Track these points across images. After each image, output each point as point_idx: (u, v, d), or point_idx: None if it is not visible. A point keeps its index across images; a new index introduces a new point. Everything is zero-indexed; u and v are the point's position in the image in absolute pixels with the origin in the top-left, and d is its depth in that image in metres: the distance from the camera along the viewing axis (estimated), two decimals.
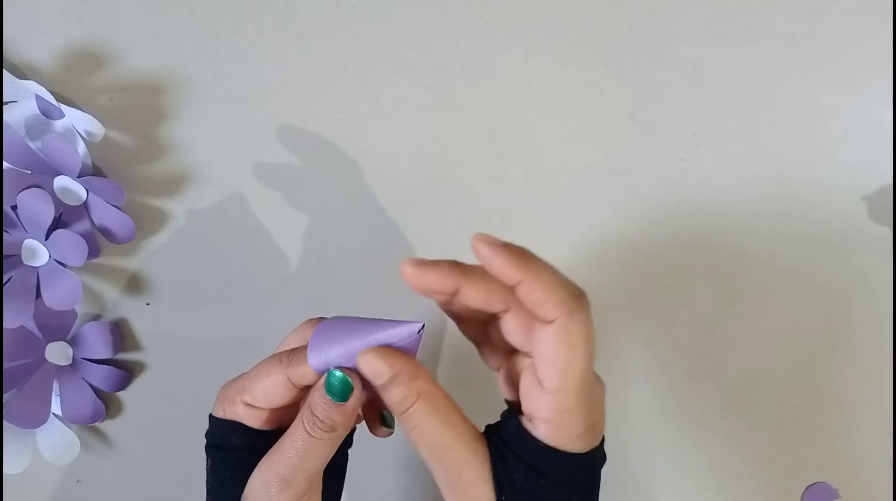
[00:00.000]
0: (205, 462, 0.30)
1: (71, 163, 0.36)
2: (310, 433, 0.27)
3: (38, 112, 0.38)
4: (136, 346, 0.42)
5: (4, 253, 0.38)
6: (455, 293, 0.27)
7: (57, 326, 0.40)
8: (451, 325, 0.30)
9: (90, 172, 0.39)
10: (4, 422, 0.39)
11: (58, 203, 0.38)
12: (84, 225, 0.39)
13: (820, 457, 0.42)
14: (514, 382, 0.28)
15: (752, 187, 0.40)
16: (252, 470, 0.28)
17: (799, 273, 0.40)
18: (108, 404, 0.42)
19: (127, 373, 0.42)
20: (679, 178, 0.40)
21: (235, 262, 0.41)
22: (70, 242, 0.37)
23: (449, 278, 0.26)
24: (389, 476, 0.43)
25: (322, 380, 0.27)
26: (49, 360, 0.40)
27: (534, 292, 0.25)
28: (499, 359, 0.29)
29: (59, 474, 0.43)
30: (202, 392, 0.32)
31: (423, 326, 0.27)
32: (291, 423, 0.28)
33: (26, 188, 0.37)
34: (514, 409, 0.28)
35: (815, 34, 0.38)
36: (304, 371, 0.28)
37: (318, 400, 0.27)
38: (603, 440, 0.27)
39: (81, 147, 0.38)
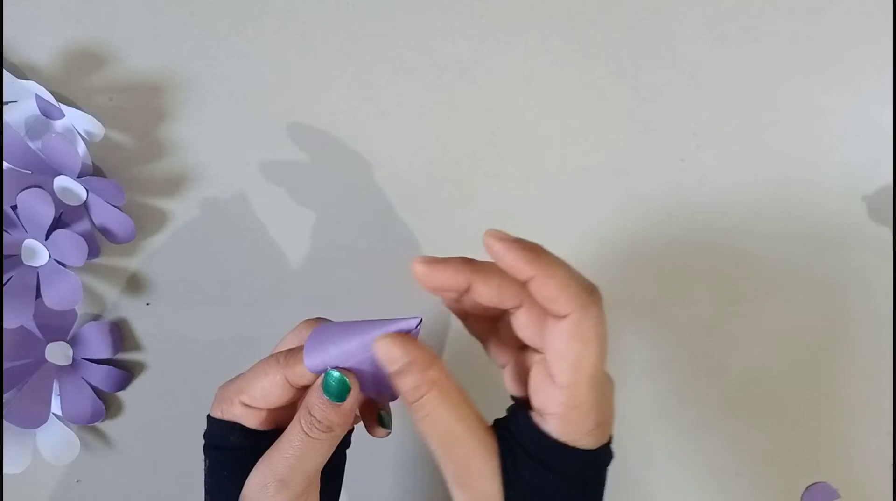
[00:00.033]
0: (203, 463, 0.30)
1: (71, 163, 0.36)
2: (307, 434, 0.27)
3: (38, 112, 0.38)
4: (136, 346, 0.42)
5: (4, 253, 0.38)
6: (466, 290, 0.26)
7: (57, 326, 0.40)
8: (454, 324, 0.30)
9: (90, 172, 0.39)
10: (4, 422, 0.39)
11: (58, 203, 0.38)
12: (84, 225, 0.39)
13: (820, 457, 0.42)
14: (522, 378, 0.28)
15: (752, 187, 0.40)
16: (250, 471, 0.28)
17: (799, 273, 0.40)
18: (108, 404, 0.42)
19: (127, 373, 0.42)
20: (679, 178, 0.40)
21: (235, 262, 0.41)
22: (70, 242, 0.37)
23: (461, 274, 0.26)
24: (389, 476, 0.43)
25: (319, 380, 0.27)
26: (49, 360, 0.40)
27: (546, 288, 0.25)
28: (506, 355, 0.29)
29: (59, 474, 0.43)
30: (202, 392, 0.32)
31: (421, 320, 0.27)
32: (289, 423, 0.28)
33: (26, 188, 0.37)
34: (521, 405, 0.28)
35: (815, 34, 0.38)
36: (302, 371, 0.28)
37: (316, 401, 0.27)
38: (611, 438, 0.27)
39: (81, 147, 0.38)
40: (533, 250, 0.25)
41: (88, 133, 0.38)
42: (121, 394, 0.42)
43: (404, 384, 0.26)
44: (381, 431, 0.31)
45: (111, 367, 0.41)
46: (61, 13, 0.38)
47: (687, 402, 0.42)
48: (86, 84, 0.39)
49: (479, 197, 0.40)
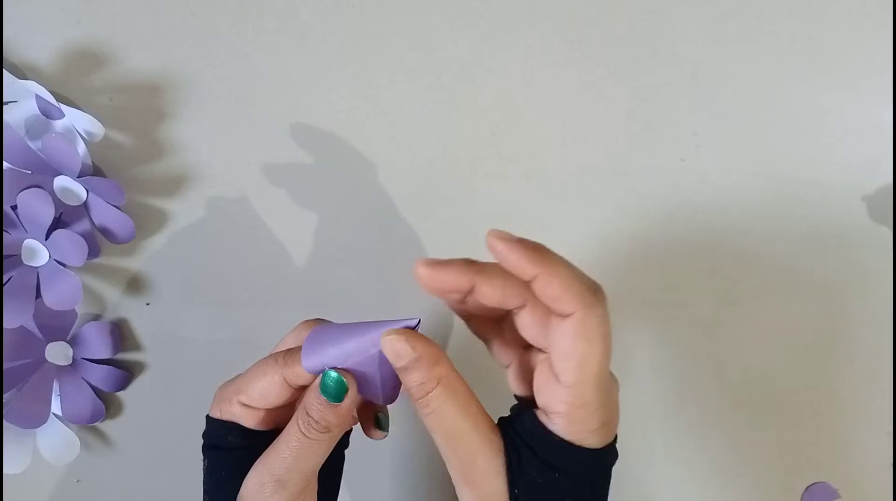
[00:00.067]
0: (202, 463, 0.30)
1: (71, 163, 0.36)
2: (305, 434, 0.27)
3: (38, 112, 0.38)
4: (136, 346, 0.42)
5: (4, 253, 0.38)
6: (470, 292, 0.26)
7: (57, 326, 0.40)
8: (456, 323, 0.30)
9: (90, 172, 0.39)
10: (4, 422, 0.39)
11: (58, 203, 0.38)
12: (84, 225, 0.39)
13: (820, 457, 0.42)
14: (526, 377, 0.28)
15: (752, 187, 0.40)
16: (248, 471, 0.28)
17: (799, 273, 0.40)
18: (108, 404, 0.42)
19: (127, 373, 0.42)
20: (679, 178, 0.40)
21: (235, 262, 0.41)
22: (70, 242, 0.37)
23: (464, 276, 0.26)
24: (389, 476, 0.43)
25: (317, 381, 0.27)
26: (49, 360, 0.40)
27: (550, 287, 0.24)
28: (510, 355, 0.29)
29: (59, 474, 0.43)
30: (202, 392, 0.32)
31: (419, 321, 0.27)
32: (287, 424, 0.28)
33: (26, 188, 0.37)
34: (525, 405, 0.28)
35: (815, 34, 0.38)
36: (300, 371, 0.28)
37: (313, 401, 0.27)
38: (616, 438, 0.27)
39: (81, 147, 0.38)
40: (536, 249, 0.25)
41: (88, 133, 0.38)
42: (121, 394, 0.42)
43: (411, 380, 0.26)
44: (378, 433, 0.31)
45: (111, 367, 0.41)
46: (61, 13, 0.38)
47: (687, 402, 0.42)
48: (86, 84, 0.39)
49: (479, 197, 0.40)
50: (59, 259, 0.38)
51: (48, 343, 0.40)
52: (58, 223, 0.38)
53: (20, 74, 0.39)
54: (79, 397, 0.41)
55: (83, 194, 0.39)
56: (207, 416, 0.30)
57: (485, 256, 0.26)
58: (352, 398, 0.27)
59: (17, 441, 0.40)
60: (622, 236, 0.40)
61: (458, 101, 0.39)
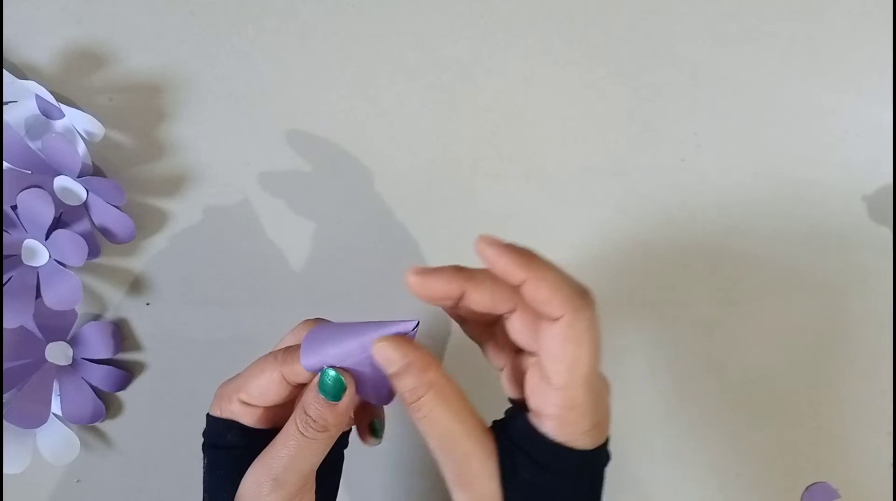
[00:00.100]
0: (202, 462, 0.30)
1: (71, 163, 0.36)
2: (302, 433, 0.27)
3: (38, 112, 0.38)
4: (136, 346, 0.42)
5: (4, 253, 0.38)
6: (461, 298, 0.27)
7: (57, 326, 0.40)
8: (454, 326, 0.30)
9: (90, 172, 0.39)
10: (4, 422, 0.39)
11: (58, 203, 0.38)
12: (84, 225, 0.39)
13: (820, 457, 0.42)
14: (519, 380, 0.29)
15: (752, 187, 0.40)
16: (247, 469, 0.28)
17: (799, 273, 0.40)
18: (108, 404, 0.42)
19: (127, 373, 0.42)
20: (679, 178, 0.40)
21: (235, 262, 0.41)
22: (70, 242, 0.37)
23: (453, 283, 0.26)
24: (388, 476, 0.43)
25: (315, 380, 0.28)
26: (49, 360, 0.40)
27: (539, 291, 0.25)
28: (503, 358, 0.29)
29: (59, 474, 0.43)
30: (202, 392, 0.32)
31: (418, 323, 0.27)
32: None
33: (26, 188, 0.37)
34: (519, 407, 0.28)
35: (815, 34, 0.38)
36: (299, 369, 0.28)
37: (311, 400, 0.27)
38: (608, 439, 0.27)
39: (81, 147, 0.38)
40: (524, 254, 0.25)
41: (88, 133, 0.38)
42: (121, 394, 0.42)
43: (402, 385, 0.27)
44: (373, 440, 0.31)
45: (111, 367, 0.41)
46: (61, 13, 0.38)
47: (687, 402, 0.42)
48: (86, 84, 0.39)
49: (479, 197, 0.40)
50: (59, 259, 0.38)
51: (48, 343, 0.40)
52: (58, 223, 0.38)
53: (20, 74, 0.39)
54: (79, 397, 0.41)
55: (83, 194, 0.39)
56: (207, 414, 0.30)
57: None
58: (349, 398, 0.27)
59: (17, 440, 0.40)
60: (622, 236, 0.40)
61: (458, 101, 0.39)
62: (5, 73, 0.37)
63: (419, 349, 0.27)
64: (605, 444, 0.27)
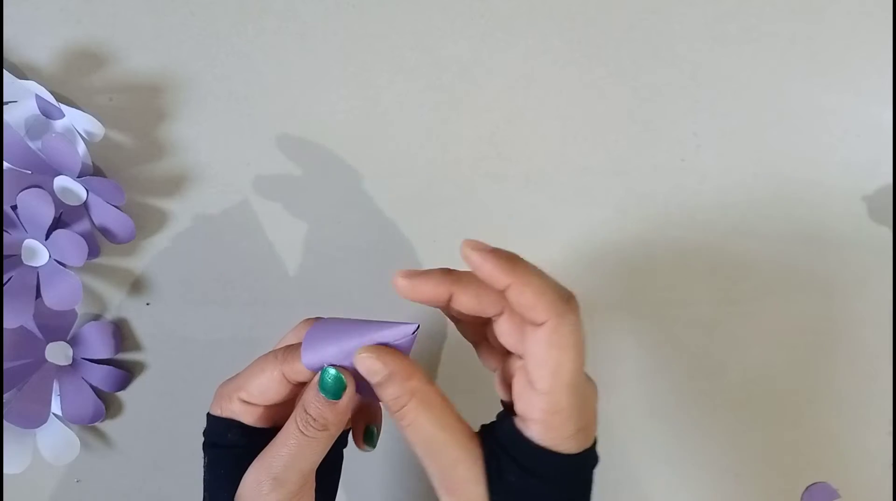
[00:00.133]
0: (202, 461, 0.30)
1: (71, 163, 0.36)
2: (302, 432, 0.27)
3: (38, 112, 0.38)
4: (136, 346, 0.42)
5: (4, 253, 0.38)
6: (449, 300, 0.27)
7: (57, 326, 0.40)
8: (452, 326, 0.30)
9: (90, 172, 0.39)
10: (4, 422, 0.39)
11: (58, 203, 0.38)
12: (84, 225, 0.39)
13: (820, 457, 0.42)
14: (508, 383, 0.29)
15: (752, 187, 0.40)
16: (248, 468, 0.28)
17: (799, 273, 0.40)
18: (108, 404, 0.42)
19: (127, 373, 0.42)
20: (679, 178, 0.40)
21: (235, 262, 0.41)
22: (70, 242, 0.37)
23: (441, 286, 0.27)
24: (387, 475, 0.43)
25: (316, 378, 0.28)
26: (49, 360, 0.40)
27: (523, 296, 0.25)
28: (495, 360, 0.30)
29: (59, 474, 0.43)
30: (202, 392, 0.32)
31: (418, 327, 0.27)
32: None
33: (26, 188, 0.37)
34: (510, 410, 0.29)
35: (815, 34, 0.38)
36: (299, 368, 0.28)
37: (312, 398, 0.27)
38: (595, 441, 0.27)
39: (81, 147, 0.38)
40: (509, 259, 0.25)
41: (88, 133, 0.38)
42: (121, 394, 0.42)
43: (386, 394, 0.27)
44: (366, 447, 0.31)
45: (111, 367, 0.41)
46: (61, 13, 0.38)
47: (687, 402, 0.42)
48: (86, 84, 0.39)
49: (479, 197, 0.40)
50: (59, 259, 0.38)
51: (48, 343, 0.40)
52: (58, 223, 0.38)
53: (20, 74, 0.39)
54: (79, 397, 0.41)
55: (83, 194, 0.39)
56: (208, 413, 0.30)
57: None
58: (350, 396, 0.28)
59: (17, 441, 0.40)
60: (622, 236, 0.40)
61: (458, 101, 0.39)
62: (5, 73, 0.37)
63: (402, 358, 0.27)
64: (593, 447, 0.27)
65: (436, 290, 0.27)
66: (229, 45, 0.39)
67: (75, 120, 0.37)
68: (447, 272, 0.27)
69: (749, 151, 0.39)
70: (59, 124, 0.39)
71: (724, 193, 0.40)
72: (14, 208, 0.37)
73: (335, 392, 0.27)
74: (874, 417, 0.41)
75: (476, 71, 0.39)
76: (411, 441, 0.27)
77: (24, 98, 0.38)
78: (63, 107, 0.37)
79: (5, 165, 0.37)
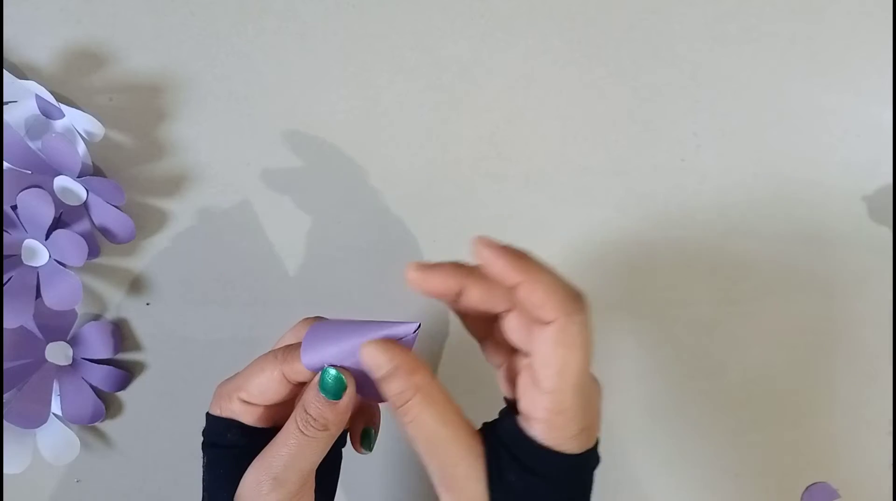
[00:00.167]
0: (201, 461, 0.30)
1: (71, 163, 0.36)
2: (302, 432, 0.27)
3: (38, 112, 0.38)
4: (136, 346, 0.42)
5: (4, 253, 0.38)
6: (459, 294, 0.27)
7: (57, 326, 0.40)
8: (454, 324, 0.30)
9: (90, 172, 0.39)
10: (4, 422, 0.39)
11: (58, 203, 0.38)
12: (84, 225, 0.39)
13: (820, 457, 0.42)
14: (513, 380, 0.29)
15: (752, 187, 0.40)
16: (247, 468, 0.28)
17: (799, 273, 0.40)
18: (108, 404, 0.42)
19: (127, 373, 0.42)
20: (679, 178, 0.40)
21: (235, 262, 0.41)
22: (70, 242, 0.37)
23: (452, 279, 0.26)
24: (387, 475, 0.43)
25: (316, 378, 0.28)
26: (49, 360, 0.40)
27: (533, 294, 0.25)
28: (501, 356, 0.29)
29: (59, 474, 0.43)
30: (202, 392, 0.32)
31: (419, 326, 0.27)
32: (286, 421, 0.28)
33: (26, 188, 0.37)
34: (513, 407, 0.29)
35: (815, 34, 0.38)
36: (299, 367, 0.28)
37: (312, 398, 0.27)
38: (597, 442, 0.27)
39: (81, 147, 0.38)
40: (520, 256, 0.25)
41: (88, 133, 0.38)
42: (121, 394, 0.42)
43: (390, 389, 0.27)
44: (362, 450, 0.31)
45: (111, 367, 0.41)
46: (61, 13, 0.38)
47: (687, 402, 0.42)
48: (86, 84, 0.39)
49: (479, 197, 0.40)
50: (59, 259, 0.38)
51: (48, 343, 0.40)
52: (58, 223, 0.38)
53: (20, 74, 0.39)
54: (79, 397, 0.41)
55: (83, 194, 0.39)
56: (207, 413, 0.30)
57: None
58: (350, 396, 0.27)
59: (17, 441, 0.40)
60: (622, 236, 0.40)
61: (458, 101, 0.39)
62: (5, 73, 0.37)
63: (407, 352, 0.27)
64: (595, 447, 0.27)
65: (447, 283, 0.26)
66: (229, 45, 0.39)
67: (75, 120, 0.37)
68: (459, 266, 0.27)
69: (749, 151, 0.39)
70: (59, 124, 0.39)
71: (724, 193, 0.40)
72: (14, 208, 0.37)
73: (335, 392, 0.27)
74: (874, 417, 0.41)
75: (476, 71, 0.39)
76: (413, 438, 0.27)
77: (24, 98, 0.38)
78: (63, 107, 0.37)
79: (5, 165, 0.37)
